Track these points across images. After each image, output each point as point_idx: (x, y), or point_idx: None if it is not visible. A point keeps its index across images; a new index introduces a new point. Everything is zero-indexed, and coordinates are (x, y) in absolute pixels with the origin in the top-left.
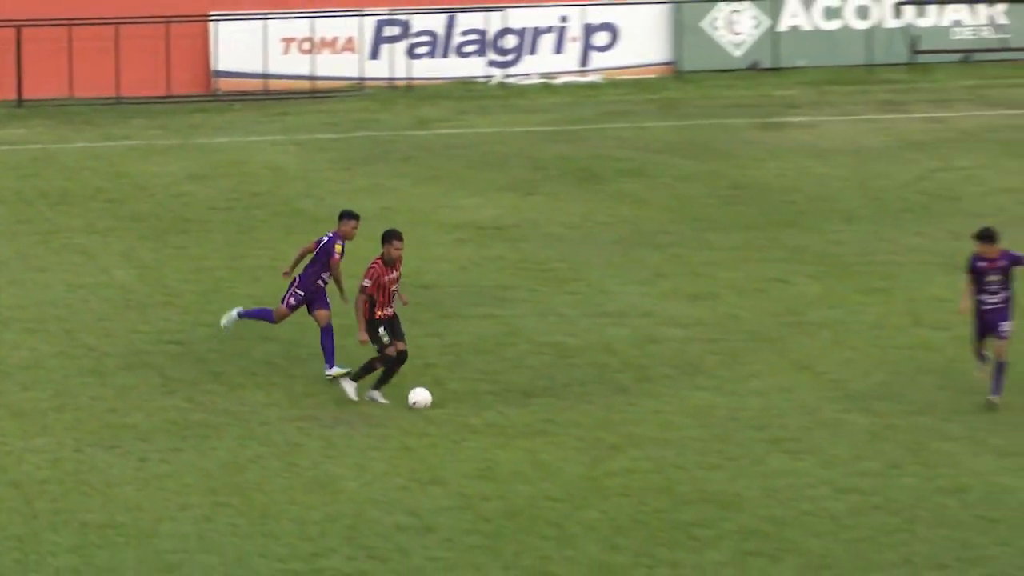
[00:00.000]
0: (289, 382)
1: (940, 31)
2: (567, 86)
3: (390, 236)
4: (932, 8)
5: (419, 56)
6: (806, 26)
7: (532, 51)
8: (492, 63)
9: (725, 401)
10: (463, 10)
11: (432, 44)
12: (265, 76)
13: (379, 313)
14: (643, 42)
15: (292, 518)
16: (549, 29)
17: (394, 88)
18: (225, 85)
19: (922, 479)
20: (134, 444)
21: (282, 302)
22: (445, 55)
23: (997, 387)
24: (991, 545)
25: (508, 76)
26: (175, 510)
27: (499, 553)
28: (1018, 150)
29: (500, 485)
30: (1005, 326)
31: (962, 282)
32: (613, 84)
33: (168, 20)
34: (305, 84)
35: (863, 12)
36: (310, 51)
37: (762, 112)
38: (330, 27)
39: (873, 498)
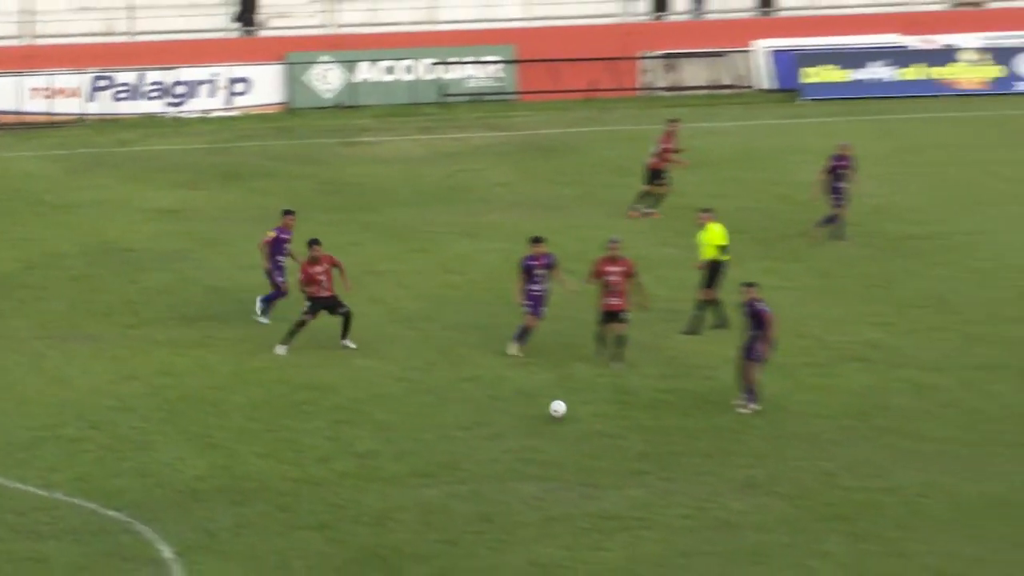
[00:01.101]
0: (40, 314)
1: (459, 80)
2: (218, 119)
3: (311, 243)
4: (454, 66)
5: (121, 99)
6: (373, 78)
7: (195, 95)
8: (168, 104)
9: (279, 325)
10: (150, 69)
11: (129, 91)
12: (19, 112)
13: (312, 291)
14: (267, 89)
15: (39, 403)
16: (206, 81)
17: (104, 120)
18: None
19: (449, 371)
20: None
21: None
22: (137, 98)
23: (616, 356)
24: (497, 413)
25: (179, 113)
26: None
27: (176, 424)
28: (511, 159)
29: (177, 379)
30: (544, 309)
31: (516, 278)
32: (248, 117)
33: None
34: (46, 118)
35: (409, 68)
36: (50, 96)
37: (345, 135)
38: (63, 80)
39: (419, 384)
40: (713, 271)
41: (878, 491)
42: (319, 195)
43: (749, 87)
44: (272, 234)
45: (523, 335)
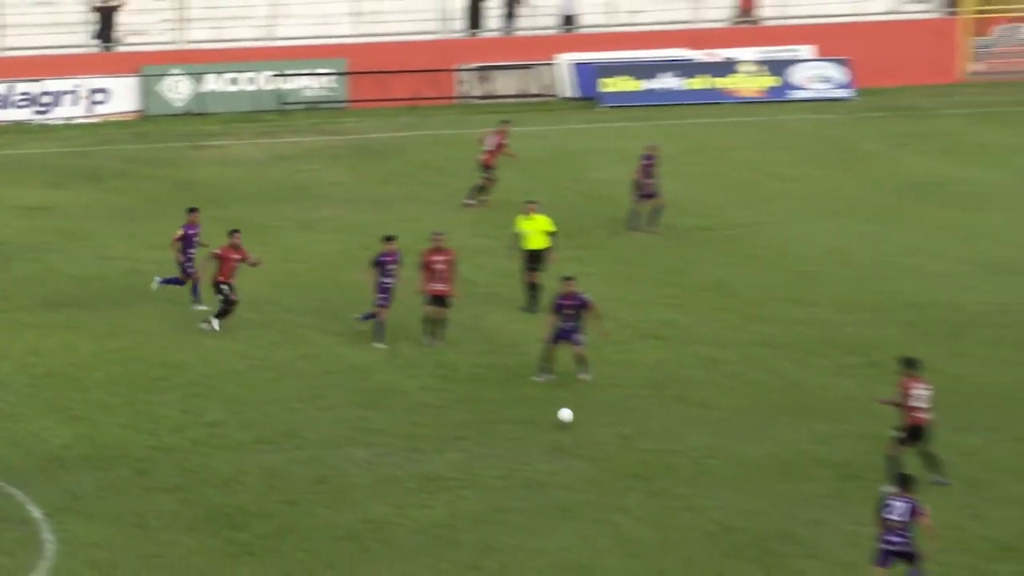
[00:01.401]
0: None
1: (296, 90)
2: (80, 125)
3: (231, 233)
4: (291, 77)
5: None
6: (219, 89)
7: (59, 104)
8: (36, 112)
9: (180, 309)
10: (19, 80)
11: (1, 101)
12: None
13: (224, 277)
14: (124, 98)
15: None
16: (70, 91)
17: None
18: None
19: (290, 350)
20: None
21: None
22: (7, 107)
23: (438, 336)
24: (332, 386)
25: (46, 120)
26: None
27: (44, 398)
28: (344, 160)
29: (44, 358)
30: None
31: (368, 272)
32: (107, 124)
33: None
34: None
35: (251, 80)
36: None
37: (194, 139)
38: None
39: (262, 361)
40: (537, 257)
41: (670, 453)
42: (172, 193)
43: (554, 96)
44: (180, 231)
45: (380, 329)
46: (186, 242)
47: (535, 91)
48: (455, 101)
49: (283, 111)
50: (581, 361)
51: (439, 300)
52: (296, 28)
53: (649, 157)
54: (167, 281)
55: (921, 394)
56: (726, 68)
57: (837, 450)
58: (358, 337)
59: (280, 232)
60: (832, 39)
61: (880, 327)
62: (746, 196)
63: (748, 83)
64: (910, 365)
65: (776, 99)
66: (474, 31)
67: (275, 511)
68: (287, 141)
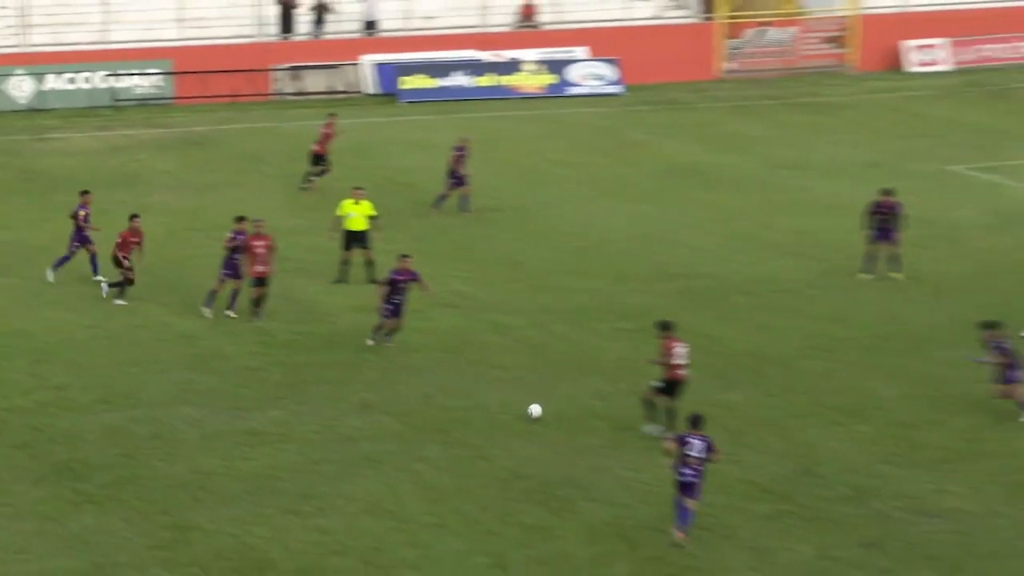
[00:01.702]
0: None
1: (128, 88)
2: None
3: (131, 217)
4: (123, 77)
5: None
6: (58, 87)
7: None
8: None
9: (25, 283)
10: None
11: None
12: None
13: (124, 254)
14: None
15: None
16: None
17: None
18: None
19: (125, 319)
20: None
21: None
22: None
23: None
24: (163, 352)
25: None
26: None
27: None
28: (171, 151)
29: None
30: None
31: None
32: None
33: None
34: None
35: (88, 79)
36: None
37: (36, 133)
38: None
39: (101, 330)
40: (359, 237)
41: (466, 409)
42: (17, 182)
43: (359, 92)
44: (82, 212)
45: (211, 299)
46: (84, 220)
47: (341, 88)
48: (270, 98)
49: (116, 107)
50: (393, 331)
51: (260, 281)
52: (127, 33)
53: (460, 148)
54: (61, 262)
55: (680, 352)
56: (511, 67)
57: (612, 405)
58: (187, 308)
59: (115, 216)
60: (604, 41)
61: (649, 296)
62: (530, 181)
63: (530, 81)
64: (666, 328)
65: (555, 95)
66: (286, 35)
67: (114, 464)
68: (121, 134)
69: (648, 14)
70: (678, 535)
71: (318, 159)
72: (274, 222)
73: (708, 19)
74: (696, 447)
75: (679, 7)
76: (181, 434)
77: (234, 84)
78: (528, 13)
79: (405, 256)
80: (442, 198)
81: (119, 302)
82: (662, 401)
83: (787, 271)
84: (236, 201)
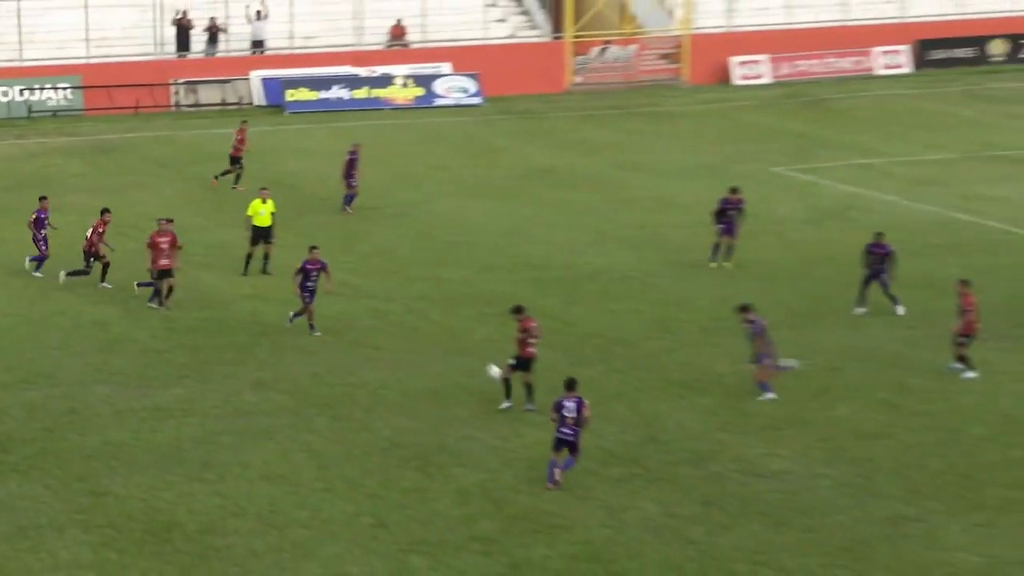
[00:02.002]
0: None
1: (42, 101)
2: None
3: (102, 211)
4: (38, 91)
5: None
6: None
7: None
8: None
9: None
10: None
11: None
12: None
13: (97, 250)
14: None
15: None
16: None
17: None
18: None
19: (45, 307)
20: None
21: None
22: None
23: (167, 301)
24: (79, 337)
25: None
26: None
27: None
28: (82, 157)
29: None
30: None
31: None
32: None
33: None
34: None
35: (6, 93)
36: None
37: None
38: None
39: (23, 317)
40: (265, 233)
41: (351, 386)
42: None
43: (249, 104)
44: (34, 215)
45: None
46: (38, 224)
47: (233, 101)
48: (169, 109)
49: (32, 118)
50: (312, 317)
51: (165, 273)
52: (40, 51)
53: (353, 153)
54: (37, 260)
55: (533, 331)
56: (383, 81)
57: (479, 381)
58: (99, 297)
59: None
60: (465, 58)
61: (512, 284)
62: (404, 182)
63: (401, 93)
64: (519, 311)
65: (424, 106)
66: (183, 53)
67: (36, 437)
68: (36, 142)
69: (504, 33)
70: (553, 484)
71: (234, 161)
72: (179, 219)
73: (558, 38)
74: (568, 408)
75: (532, 27)
76: (95, 410)
77: (137, 97)
78: (398, 33)
79: (314, 247)
80: (350, 200)
81: (105, 285)
82: (518, 376)
83: (632, 261)
84: (141, 202)
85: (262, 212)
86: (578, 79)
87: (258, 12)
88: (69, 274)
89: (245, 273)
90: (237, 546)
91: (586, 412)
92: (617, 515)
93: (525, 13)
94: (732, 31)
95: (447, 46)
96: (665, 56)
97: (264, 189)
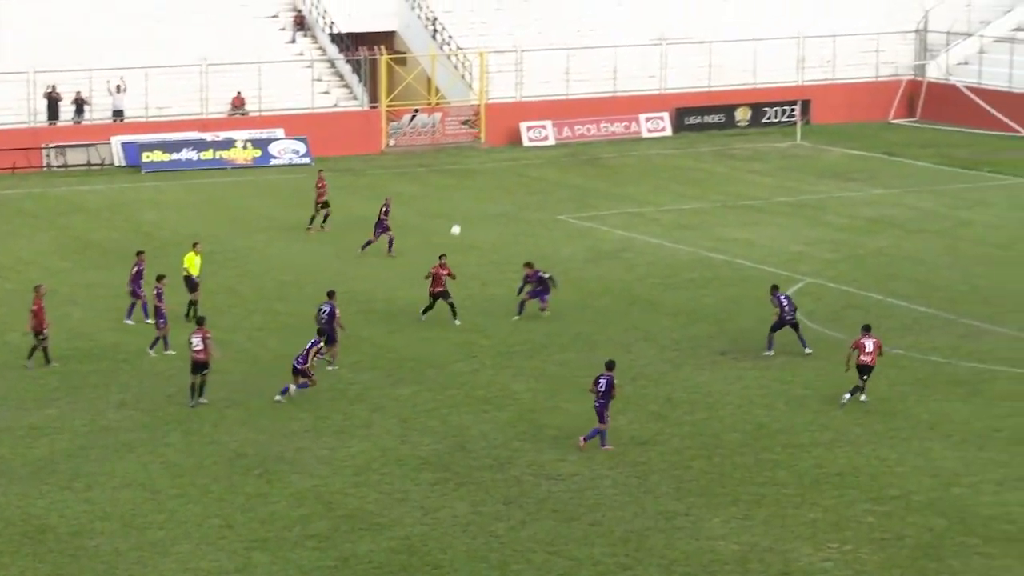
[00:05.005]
0: None
1: None
2: None
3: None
4: None
5: None
6: None
7: None
8: None
9: None
10: None
11: None
12: None
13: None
14: None
15: None
16: None
17: None
18: None
19: None
20: None
21: None
22: None
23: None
24: None
25: None
26: None
27: None
28: None
29: None
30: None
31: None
32: None
33: None
34: None
35: None
36: None
37: None
38: None
39: None
40: (195, 282)
41: (200, 405)
42: None
43: (111, 165)
44: (134, 269)
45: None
46: (138, 275)
47: (97, 162)
48: (42, 169)
49: None
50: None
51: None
52: None
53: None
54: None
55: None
56: (226, 144)
57: (310, 398)
58: None
59: None
60: (296, 124)
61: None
62: (244, 229)
63: (241, 154)
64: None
65: (261, 165)
66: (53, 122)
67: None
68: None
69: (329, 103)
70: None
71: (324, 205)
72: (46, 263)
73: (374, 107)
74: (601, 383)
75: (352, 98)
76: None
77: (13, 159)
78: (238, 103)
79: (160, 278)
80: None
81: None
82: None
83: None
84: (17, 248)
85: (199, 261)
86: (392, 142)
87: (118, 86)
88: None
89: (187, 317)
90: (103, 546)
91: (615, 393)
92: (431, 514)
93: (346, 86)
94: (521, 101)
95: (280, 114)
96: (465, 122)
97: (197, 243)
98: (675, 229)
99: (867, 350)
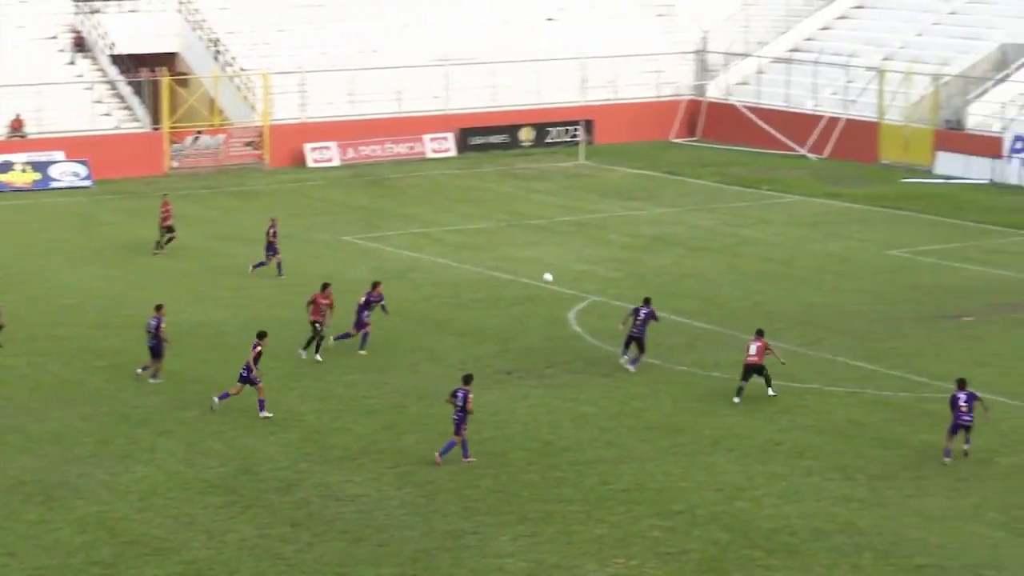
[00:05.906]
0: None
1: None
2: None
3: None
4: None
5: None
6: None
7: None
8: None
9: None
10: None
11: None
12: None
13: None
14: None
15: None
16: None
17: None
18: None
19: None
20: None
21: None
22: None
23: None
24: None
25: None
26: None
27: None
28: None
29: None
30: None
31: None
32: None
33: None
34: None
35: None
36: None
37: None
38: None
39: None
40: None
41: None
42: None
43: None
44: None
45: None
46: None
47: None
48: None
49: None
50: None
51: None
52: None
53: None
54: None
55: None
56: (4, 167)
57: (95, 425)
58: None
59: None
60: (77, 146)
61: (121, 340)
62: (24, 254)
63: (21, 178)
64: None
65: (42, 188)
66: None
67: None
68: None
69: (111, 125)
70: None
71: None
72: None
73: (156, 128)
74: (459, 396)
75: (134, 119)
76: None
77: None
78: (17, 126)
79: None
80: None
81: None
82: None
83: (225, 318)
84: None
85: None
86: (175, 163)
87: None
88: None
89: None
90: None
91: (469, 406)
92: (217, 537)
93: (128, 108)
94: (305, 122)
95: (61, 136)
96: (249, 143)
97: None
98: (461, 249)
99: (751, 352)
